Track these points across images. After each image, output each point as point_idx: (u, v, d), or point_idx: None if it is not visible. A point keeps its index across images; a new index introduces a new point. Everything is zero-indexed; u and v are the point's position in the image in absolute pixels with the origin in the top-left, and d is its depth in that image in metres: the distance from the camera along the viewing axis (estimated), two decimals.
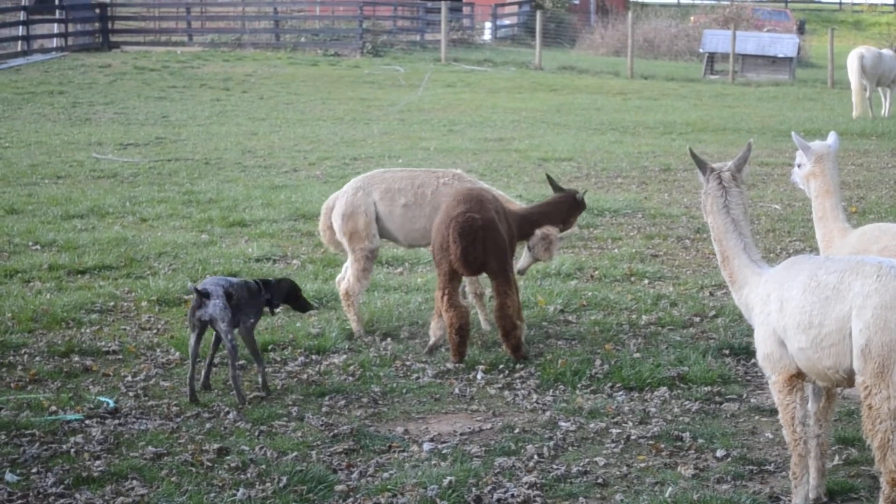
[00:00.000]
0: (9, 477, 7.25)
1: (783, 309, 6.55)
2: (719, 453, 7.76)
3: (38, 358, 9.72)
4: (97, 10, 45.74)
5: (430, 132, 25.20)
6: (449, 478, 7.20)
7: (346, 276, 10.61)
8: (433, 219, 10.05)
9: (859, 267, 6.35)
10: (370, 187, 10.51)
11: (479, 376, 9.39)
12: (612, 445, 7.94)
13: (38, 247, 13.63)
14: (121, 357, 9.81)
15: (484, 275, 9.97)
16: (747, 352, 9.93)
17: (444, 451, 7.80)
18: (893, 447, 6.23)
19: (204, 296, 8.61)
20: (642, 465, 7.61)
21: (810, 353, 6.45)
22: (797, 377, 6.63)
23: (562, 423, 8.32)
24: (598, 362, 9.51)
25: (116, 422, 8.27)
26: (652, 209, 16.34)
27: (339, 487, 7.16)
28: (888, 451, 6.24)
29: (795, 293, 6.50)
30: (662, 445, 7.90)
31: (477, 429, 8.29)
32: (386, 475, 7.39)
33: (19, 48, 41.72)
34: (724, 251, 6.99)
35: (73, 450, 7.70)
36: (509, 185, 17.66)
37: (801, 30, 56.19)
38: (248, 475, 7.33)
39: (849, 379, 6.44)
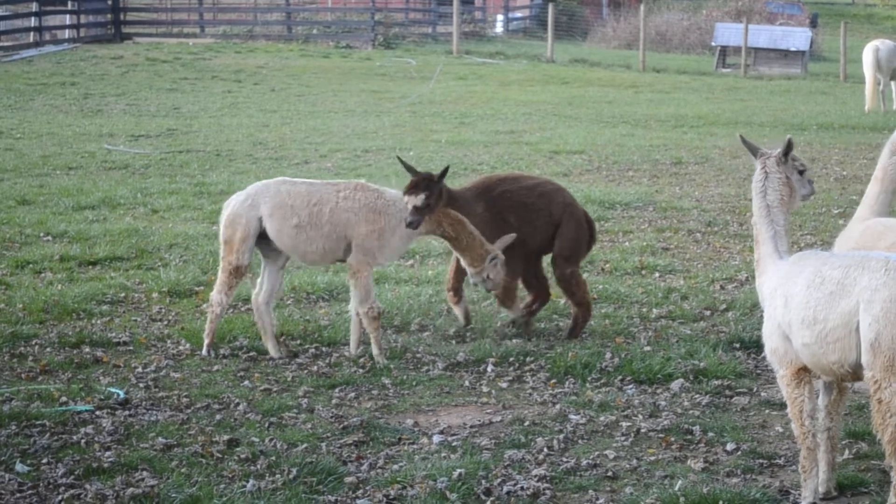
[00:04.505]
0: (19, 467, 7.27)
1: (787, 304, 6.55)
2: (729, 447, 7.75)
3: (48, 349, 9.73)
4: (109, 2, 45.73)
5: (442, 124, 25.20)
6: (459, 470, 7.19)
7: (259, 289, 9.88)
8: (332, 238, 9.57)
9: (865, 262, 6.34)
10: (259, 199, 9.64)
11: (489, 369, 9.39)
12: (622, 439, 7.94)
13: (50, 238, 13.65)
14: (131, 348, 9.82)
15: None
16: (758, 345, 9.88)
17: (454, 444, 7.80)
18: None
19: None
20: (652, 458, 7.61)
21: (815, 349, 6.46)
22: (804, 371, 6.63)
23: (572, 416, 8.32)
24: (608, 355, 9.51)
25: (127, 413, 8.28)
26: (663, 202, 16.32)
27: (348, 479, 7.17)
28: None
29: (800, 289, 6.50)
30: (672, 439, 7.89)
31: (487, 421, 8.29)
32: (396, 467, 7.39)
33: (31, 39, 41.74)
34: (757, 235, 6.98)
35: (83, 441, 7.72)
36: None
37: (813, 23, 56.02)
38: (258, 467, 7.33)
39: (854, 373, 6.43)
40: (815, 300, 6.42)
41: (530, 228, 10.12)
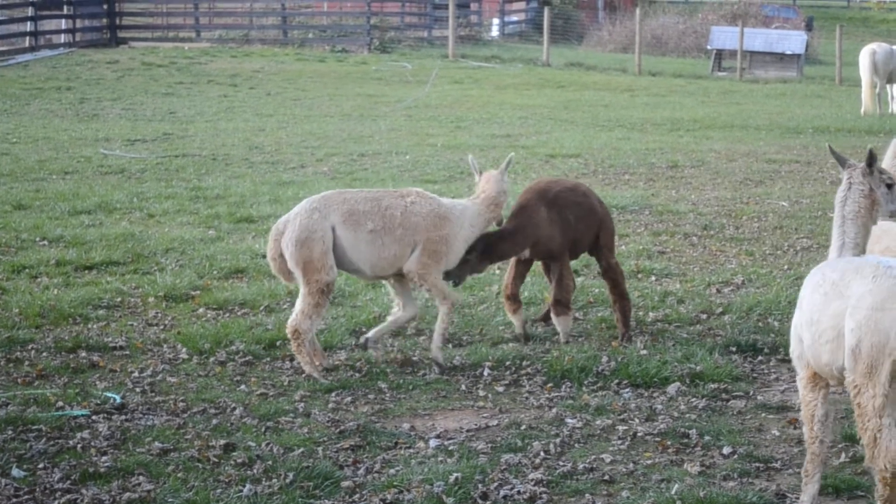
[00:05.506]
0: (15, 472, 7.26)
1: (800, 306, 6.63)
2: (726, 450, 7.76)
3: (45, 353, 9.73)
4: (105, 6, 45.74)
5: (438, 128, 25.19)
6: (455, 474, 7.19)
7: (294, 312, 9.41)
8: (403, 242, 9.41)
9: (860, 266, 6.38)
10: (328, 209, 9.30)
11: (485, 373, 9.39)
12: (619, 442, 7.94)
13: (46, 242, 13.64)
14: (128, 353, 9.82)
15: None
16: (754, 349, 9.94)
17: (451, 448, 7.80)
18: (881, 445, 6.27)
19: None
20: (648, 462, 7.61)
21: (813, 350, 6.52)
22: (819, 376, 6.65)
23: (568, 420, 8.32)
24: (604, 359, 9.51)
25: (123, 417, 8.28)
26: (659, 206, 16.33)
27: (345, 483, 7.17)
28: (877, 449, 6.29)
29: (808, 291, 6.58)
30: (669, 442, 7.90)
31: (483, 425, 8.29)
32: (392, 471, 7.39)
33: (27, 44, 41.74)
34: (832, 241, 7.02)
35: (79, 445, 7.71)
36: (516, 182, 17.63)
37: (808, 27, 56.08)
38: (255, 471, 7.33)
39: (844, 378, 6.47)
40: (814, 301, 6.48)
41: (583, 226, 10.34)
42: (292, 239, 9.25)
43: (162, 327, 10.59)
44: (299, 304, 9.31)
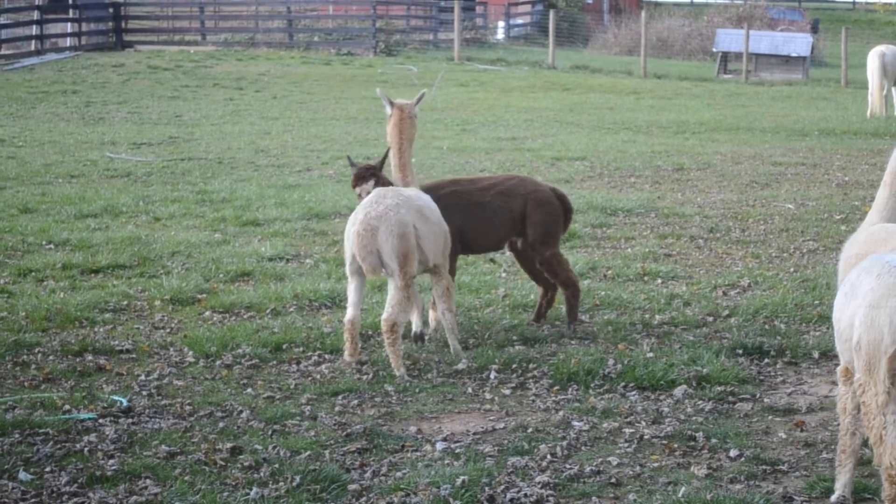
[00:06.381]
0: (22, 476, 7.26)
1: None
2: (732, 453, 7.75)
3: (51, 357, 9.73)
4: (111, 10, 45.83)
5: (444, 131, 25.20)
6: (462, 477, 7.19)
7: (387, 306, 9.48)
8: (441, 234, 9.72)
9: (872, 265, 6.46)
10: (404, 204, 9.50)
11: (492, 376, 9.38)
12: (626, 445, 7.93)
13: (52, 246, 13.65)
14: (134, 356, 9.82)
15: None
16: (761, 351, 9.93)
17: (458, 451, 7.79)
18: (887, 442, 6.31)
19: None
20: (655, 464, 7.60)
21: (838, 348, 6.67)
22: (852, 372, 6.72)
23: (575, 423, 8.31)
24: (611, 362, 9.49)
25: (130, 421, 8.28)
26: (665, 209, 16.32)
27: (352, 487, 7.16)
28: (882, 447, 6.33)
29: (840, 290, 6.69)
30: (675, 445, 7.89)
31: (490, 428, 8.28)
32: (399, 474, 7.38)
33: (33, 47, 41.84)
34: None
35: (86, 449, 7.71)
36: None
37: (814, 29, 56.10)
38: (262, 474, 7.33)
39: None
40: (838, 301, 6.62)
41: (485, 225, 10.45)
42: (393, 233, 9.39)
43: (168, 331, 10.59)
44: (392, 297, 9.44)
